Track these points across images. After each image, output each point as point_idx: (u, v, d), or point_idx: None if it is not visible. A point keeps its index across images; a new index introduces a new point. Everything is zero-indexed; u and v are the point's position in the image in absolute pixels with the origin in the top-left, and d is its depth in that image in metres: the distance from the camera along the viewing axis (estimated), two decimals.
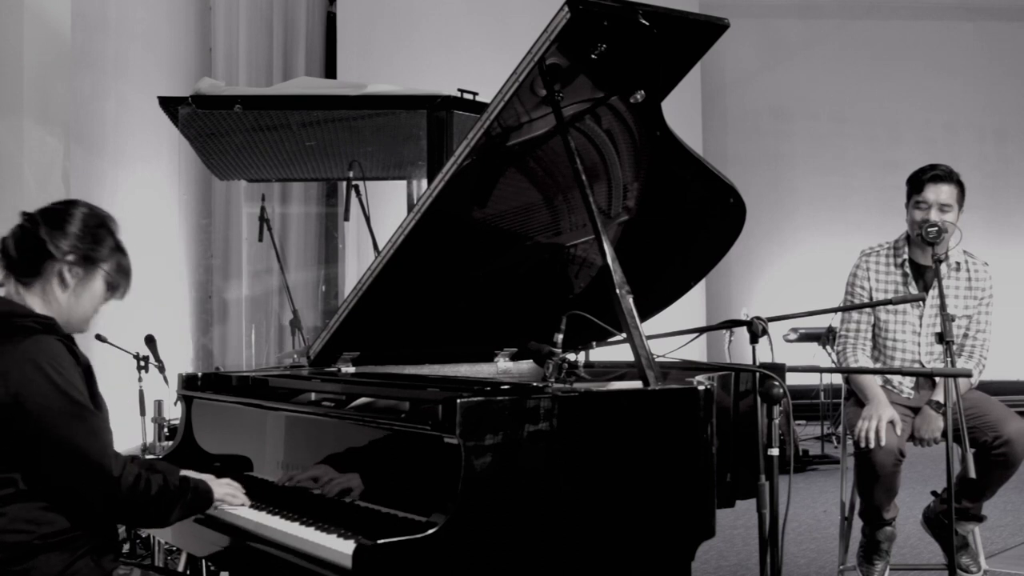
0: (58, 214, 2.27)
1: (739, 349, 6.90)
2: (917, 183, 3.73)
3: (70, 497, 2.15)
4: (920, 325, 3.77)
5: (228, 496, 2.40)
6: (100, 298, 2.34)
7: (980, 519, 3.81)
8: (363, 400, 2.40)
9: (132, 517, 2.32)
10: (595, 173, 2.85)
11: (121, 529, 4.03)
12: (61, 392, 2.10)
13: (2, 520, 2.11)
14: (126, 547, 4.21)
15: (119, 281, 2.34)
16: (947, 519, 3.45)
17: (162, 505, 2.23)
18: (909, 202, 3.77)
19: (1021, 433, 3.55)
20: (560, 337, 2.50)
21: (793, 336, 7.85)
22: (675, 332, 2.94)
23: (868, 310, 3.80)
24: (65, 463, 2.11)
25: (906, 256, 3.80)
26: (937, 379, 3.68)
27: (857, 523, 3.83)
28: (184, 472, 2.48)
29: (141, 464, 2.50)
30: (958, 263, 3.80)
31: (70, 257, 2.25)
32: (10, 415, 2.08)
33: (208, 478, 2.43)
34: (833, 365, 4.40)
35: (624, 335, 2.43)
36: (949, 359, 3.26)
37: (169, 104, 4.43)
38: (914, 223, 3.72)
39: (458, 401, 2.02)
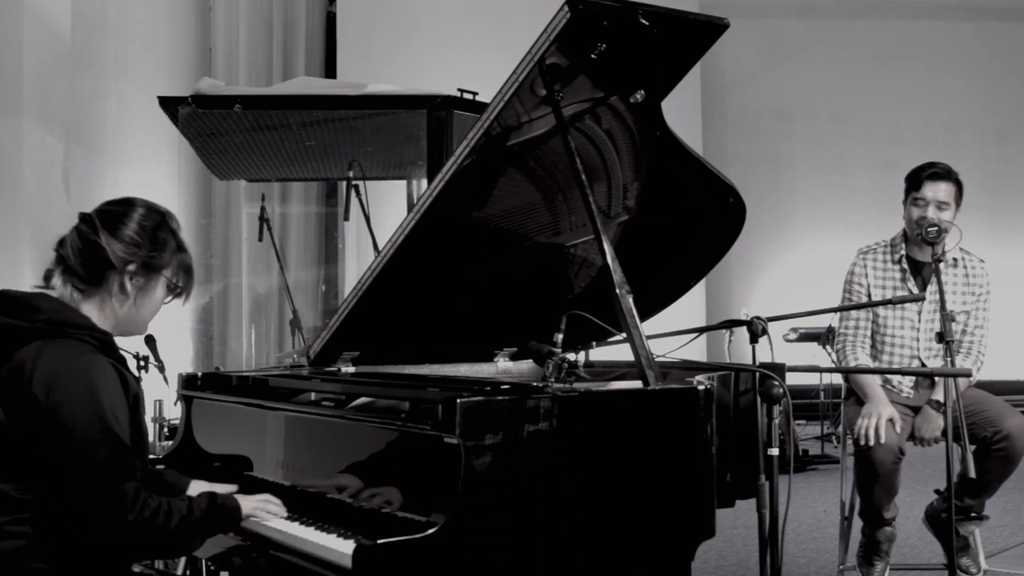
0: (116, 217, 2.21)
1: (739, 349, 6.89)
2: (915, 180, 3.74)
3: (82, 524, 2.06)
4: (919, 321, 3.77)
5: (259, 511, 2.29)
6: (160, 303, 2.29)
7: (982, 518, 3.80)
8: (363, 400, 2.40)
9: (150, 552, 2.21)
10: (595, 173, 2.85)
11: None
12: (98, 416, 2.03)
13: (20, 542, 2.05)
14: None
15: (182, 283, 2.30)
16: (956, 517, 3.47)
17: (185, 535, 2.13)
18: (907, 199, 3.78)
19: (1021, 429, 3.56)
20: (560, 337, 2.50)
21: (793, 336, 7.85)
22: (675, 332, 2.94)
23: (867, 308, 3.81)
24: (77, 488, 2.02)
25: (903, 253, 3.80)
26: (936, 378, 3.68)
27: (857, 523, 3.83)
28: (194, 484, 2.45)
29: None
30: (955, 259, 3.81)
31: (131, 267, 2.20)
32: (44, 426, 2.02)
33: (243, 496, 2.34)
34: (833, 365, 4.40)
35: (624, 335, 2.43)
36: (949, 358, 3.26)
37: (169, 104, 4.43)
38: (912, 221, 3.73)
39: (458, 401, 2.02)
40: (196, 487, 2.46)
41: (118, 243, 2.19)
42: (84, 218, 2.23)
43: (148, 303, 2.27)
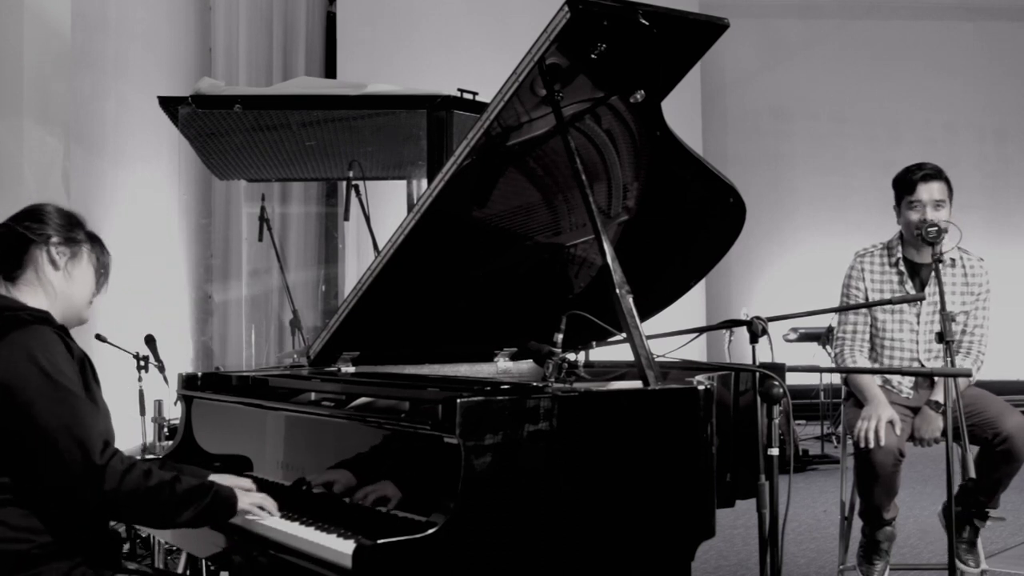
0: (30, 211, 2.31)
1: (739, 349, 6.89)
2: (908, 184, 3.73)
3: (58, 492, 2.09)
4: (918, 323, 3.77)
5: (255, 508, 2.29)
6: (91, 281, 2.34)
7: (998, 519, 3.78)
8: (363, 400, 2.40)
9: (129, 512, 2.20)
10: (595, 173, 2.85)
11: (121, 528, 4.03)
12: (48, 377, 2.07)
13: (1, 528, 2.08)
14: (126, 546, 4.20)
15: (98, 270, 2.35)
16: (966, 512, 3.53)
17: (164, 501, 2.12)
18: (900, 203, 3.77)
19: (1020, 428, 3.55)
20: (560, 337, 2.50)
21: (793, 336, 7.86)
22: (675, 332, 2.94)
23: (864, 311, 3.80)
24: (47, 449, 2.05)
25: (900, 255, 3.80)
26: (936, 378, 3.68)
27: (857, 523, 3.83)
28: (213, 478, 2.43)
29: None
30: (953, 259, 3.80)
31: (54, 239, 2.26)
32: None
33: (240, 485, 2.35)
34: (833, 365, 4.40)
35: (624, 335, 2.43)
36: (949, 359, 3.26)
37: (169, 104, 4.43)
38: (910, 224, 3.71)
39: (458, 401, 2.02)
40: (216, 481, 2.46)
41: (37, 225, 2.27)
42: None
43: (80, 274, 2.31)
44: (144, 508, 2.13)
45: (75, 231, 2.32)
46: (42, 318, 2.19)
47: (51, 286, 2.26)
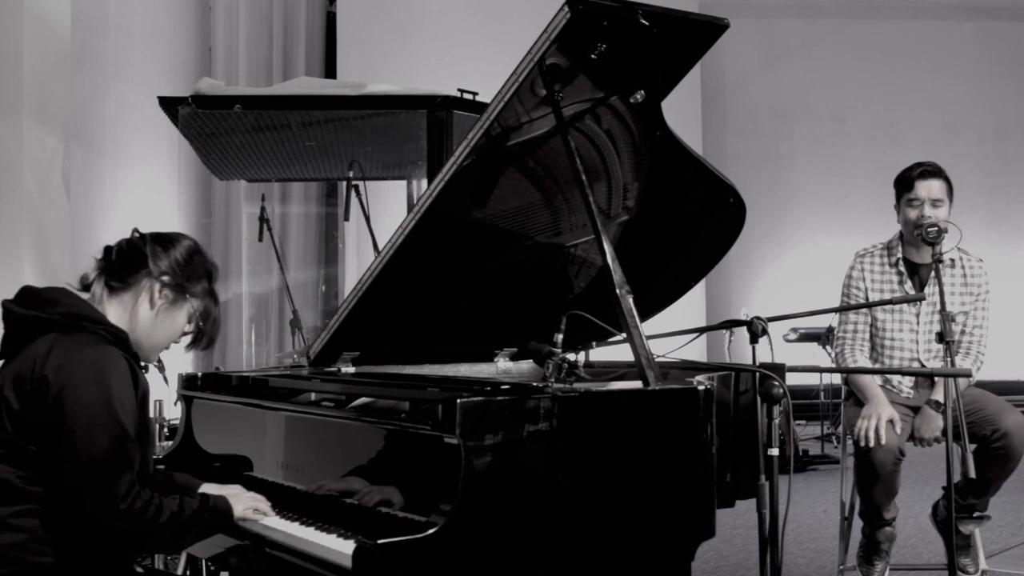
0: (168, 236, 2.33)
1: (739, 349, 6.89)
2: (907, 181, 3.75)
3: (75, 518, 2.09)
4: (917, 323, 3.77)
5: (249, 513, 2.31)
6: (178, 332, 2.34)
7: (985, 518, 3.79)
8: (363, 400, 2.40)
9: (140, 544, 2.25)
10: (595, 173, 2.85)
11: None
12: (104, 401, 2.07)
13: (22, 536, 2.08)
14: None
15: (203, 326, 2.35)
16: (958, 516, 3.48)
17: (175, 532, 2.16)
18: (900, 202, 3.78)
19: (1018, 426, 3.56)
20: (560, 337, 2.50)
21: (793, 336, 7.86)
22: (675, 332, 2.94)
23: (865, 311, 3.80)
24: (77, 476, 2.04)
25: (900, 255, 3.80)
26: (936, 378, 3.68)
27: (857, 523, 3.83)
28: (205, 487, 2.44)
29: (159, 479, 2.46)
30: (952, 260, 3.80)
31: (165, 278, 2.27)
32: (50, 410, 2.06)
33: (231, 493, 2.35)
34: (833, 365, 4.41)
35: (624, 335, 2.43)
36: (949, 359, 3.26)
37: (169, 104, 4.43)
38: (908, 222, 3.72)
39: (458, 401, 2.02)
40: (206, 490, 2.45)
41: (162, 255, 2.28)
42: (137, 232, 2.32)
43: (168, 322, 2.31)
44: (154, 540, 2.19)
45: (191, 282, 2.31)
46: (121, 340, 2.20)
47: (136, 318, 2.27)
